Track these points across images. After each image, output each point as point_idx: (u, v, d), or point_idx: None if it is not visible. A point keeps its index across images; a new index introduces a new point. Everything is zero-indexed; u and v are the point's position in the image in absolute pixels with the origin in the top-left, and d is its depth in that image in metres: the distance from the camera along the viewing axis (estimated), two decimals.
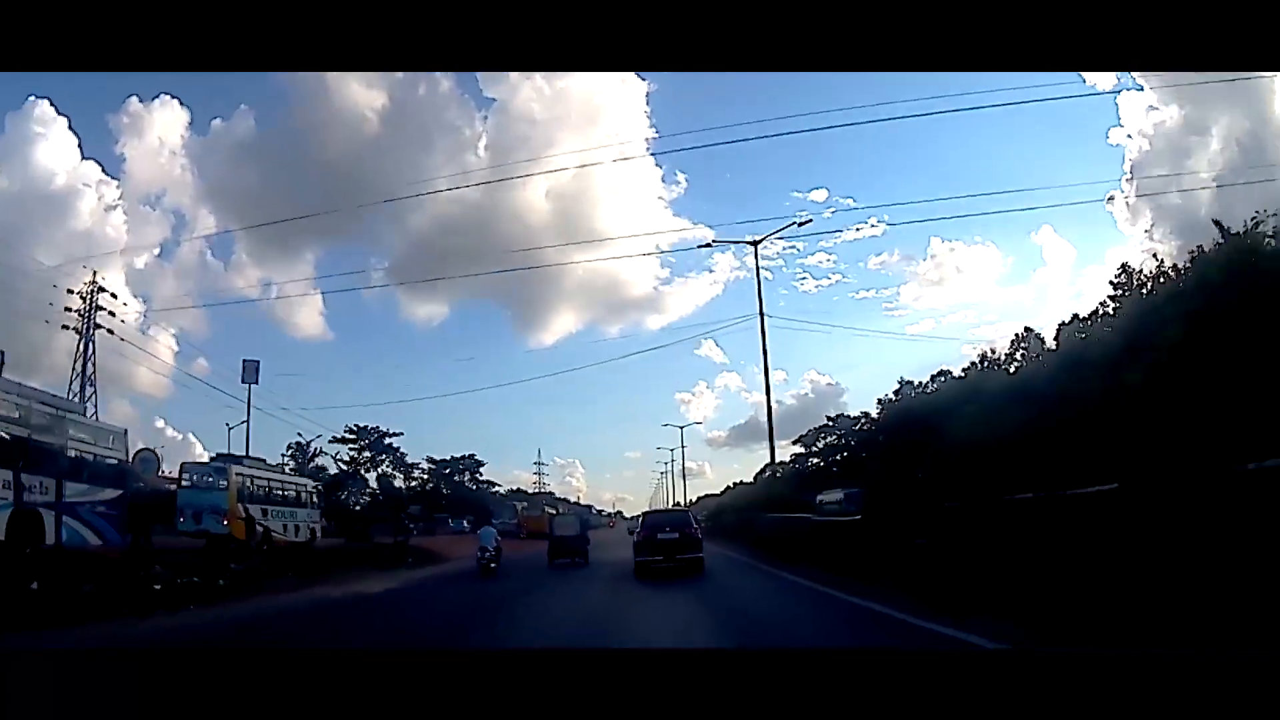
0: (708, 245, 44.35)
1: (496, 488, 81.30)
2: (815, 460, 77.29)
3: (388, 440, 69.88)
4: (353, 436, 67.04)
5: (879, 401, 76.44)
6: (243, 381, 58.43)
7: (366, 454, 68.00)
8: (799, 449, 78.56)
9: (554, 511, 53.94)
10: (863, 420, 77.44)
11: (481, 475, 79.23)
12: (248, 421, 58.71)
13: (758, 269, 38.31)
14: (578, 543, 28.40)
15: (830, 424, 77.37)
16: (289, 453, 61.77)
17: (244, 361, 59.91)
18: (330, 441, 65.29)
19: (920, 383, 74.44)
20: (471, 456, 77.80)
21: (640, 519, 27.10)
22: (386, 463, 69.45)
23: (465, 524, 61.21)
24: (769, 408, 45.74)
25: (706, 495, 76.90)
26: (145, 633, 13.39)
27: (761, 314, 34.69)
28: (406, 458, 69.80)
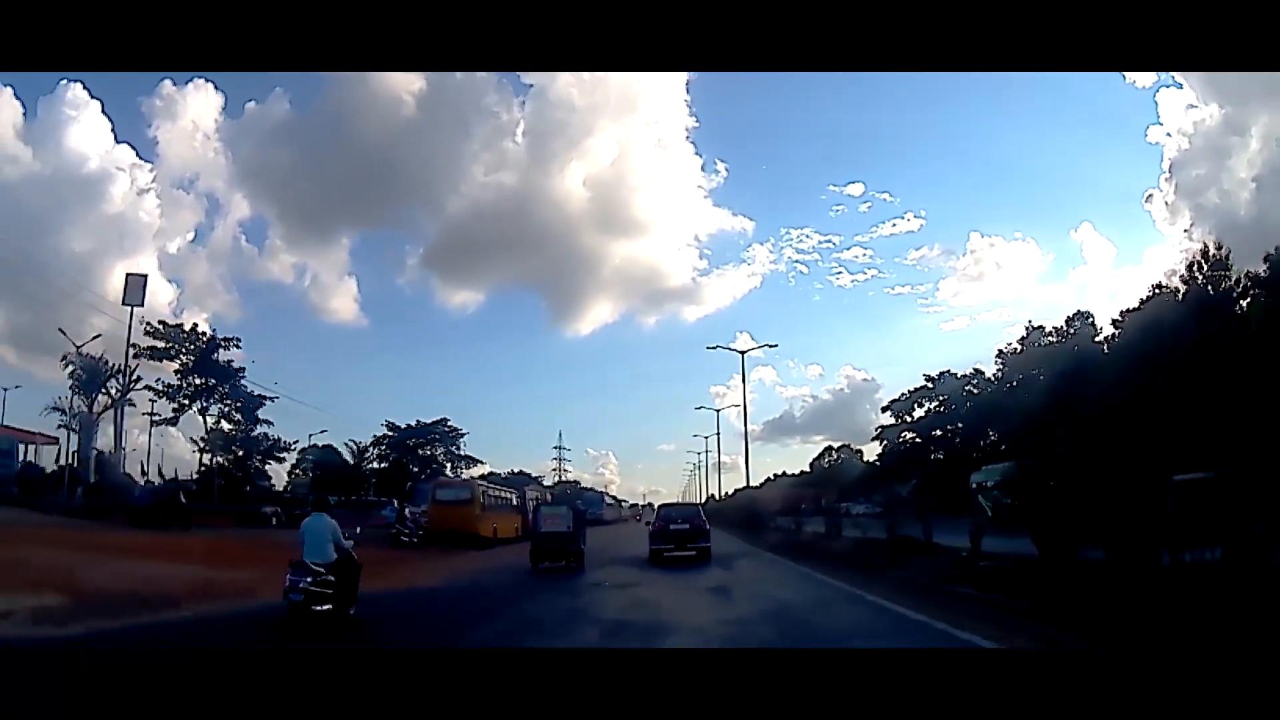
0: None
1: (480, 464, 62.94)
2: (910, 436, 57.36)
3: (220, 355, 44.59)
4: (162, 342, 43.05)
5: (1000, 353, 59.29)
6: (124, 303, 42.72)
7: (195, 380, 47.15)
8: (888, 419, 58.25)
9: (495, 494, 33.31)
10: (974, 379, 58.27)
11: (461, 449, 61.02)
12: (127, 352, 41.39)
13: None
14: (568, 541, 20.12)
15: (929, 386, 56.83)
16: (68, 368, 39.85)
17: (127, 276, 43.85)
18: (135, 356, 41.70)
19: (1054, 327, 56.42)
20: (444, 421, 59.01)
21: (655, 511, 27.66)
22: (220, 396, 48.33)
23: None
24: None
25: (743, 488, 61.58)
26: None
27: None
28: (249, 387, 45.82)
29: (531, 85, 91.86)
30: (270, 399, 46.99)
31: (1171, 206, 68.20)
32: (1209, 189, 62.77)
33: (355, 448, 52.19)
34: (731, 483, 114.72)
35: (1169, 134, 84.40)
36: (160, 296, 75.62)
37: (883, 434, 59.18)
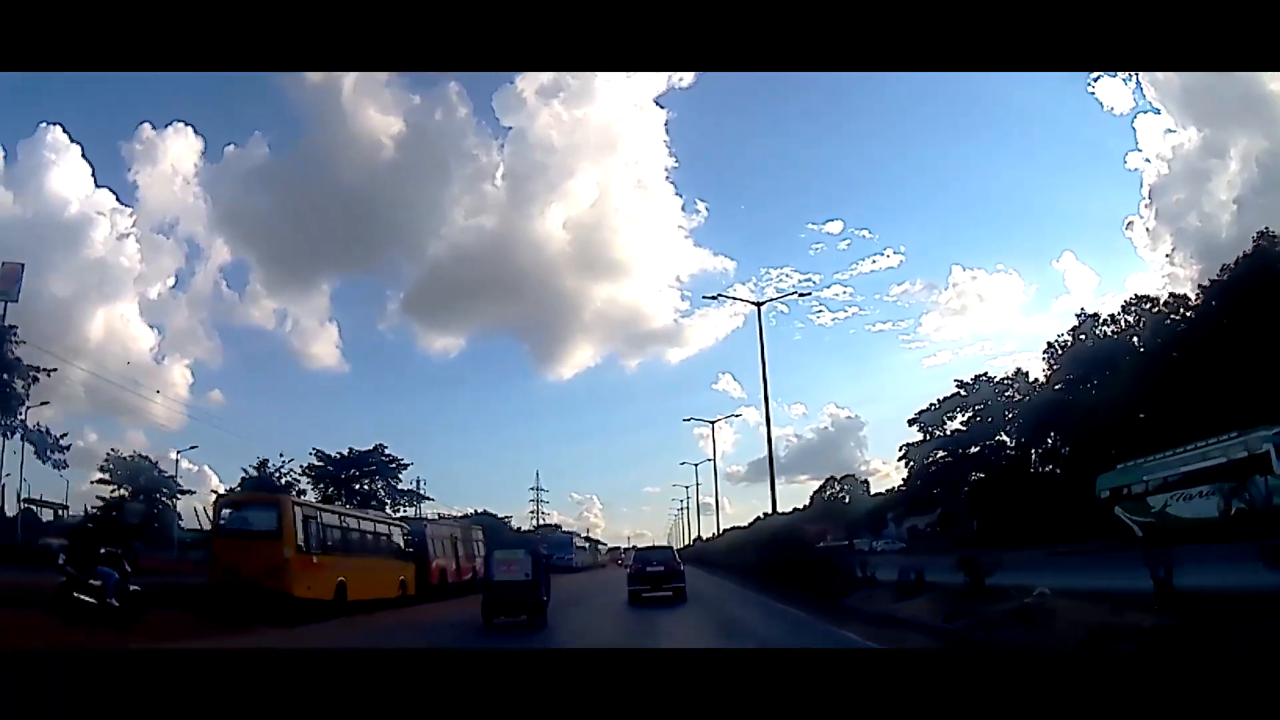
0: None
1: (428, 502, 52.48)
2: (941, 454, 48.04)
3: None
4: None
5: (1049, 345, 50.77)
6: None
7: None
8: (916, 435, 49.06)
9: (346, 526, 20.10)
10: (1015, 382, 49.32)
11: (402, 482, 50.79)
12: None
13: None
14: (527, 591, 16.32)
15: (961, 393, 47.86)
16: None
17: (2, 266, 35.70)
18: None
19: (1109, 315, 48.26)
20: (380, 449, 48.37)
21: (632, 554, 30.42)
22: None
23: None
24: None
25: (732, 528, 57.70)
26: None
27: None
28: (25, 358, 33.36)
29: (511, 128, 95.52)
30: (45, 373, 35.68)
31: (1153, 232, 69.09)
32: (1190, 213, 62.71)
33: (259, 473, 41.87)
34: (710, 525, 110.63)
35: (1148, 160, 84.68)
36: (141, 342, 76.44)
37: (908, 453, 49.85)
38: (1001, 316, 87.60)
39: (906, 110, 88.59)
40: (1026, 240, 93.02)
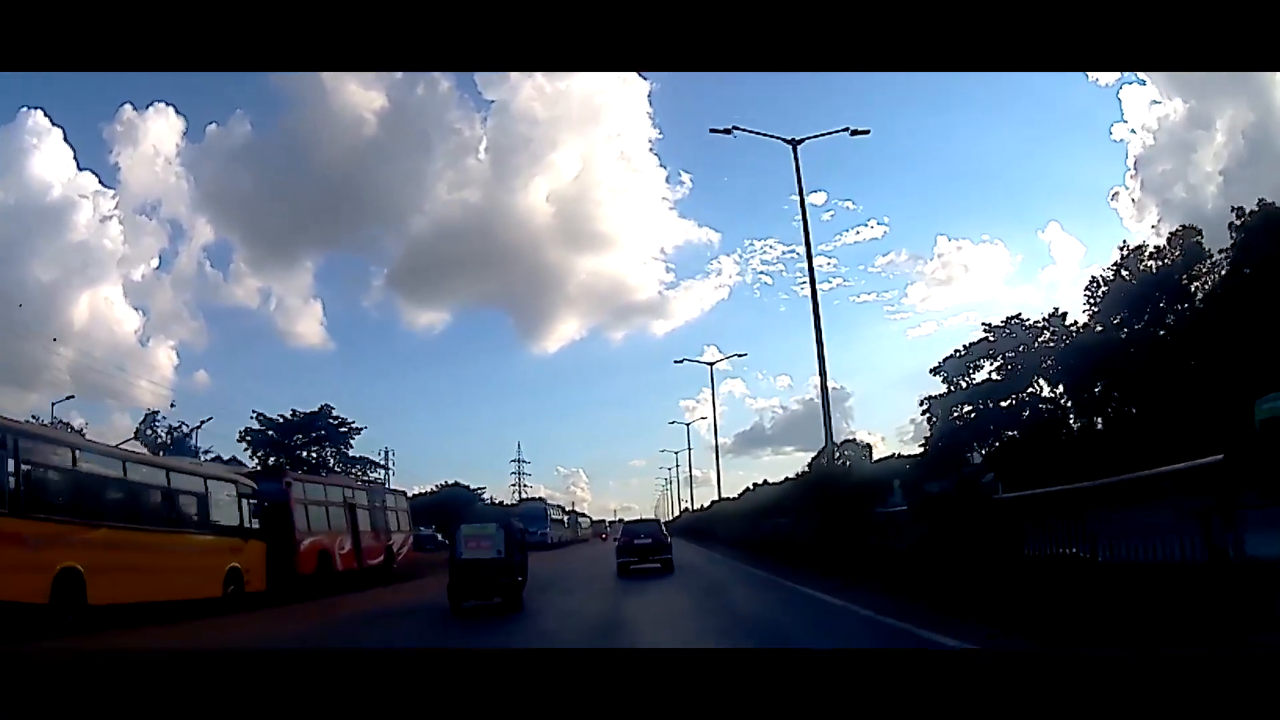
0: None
1: (380, 470, 47.21)
2: (967, 409, 42.31)
3: None
4: None
5: (1092, 280, 44.97)
6: None
7: None
8: (940, 386, 43.31)
9: (84, 471, 11.62)
10: (1050, 325, 43.53)
11: (353, 449, 45.40)
12: None
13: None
14: (499, 571, 14.37)
15: (989, 339, 42.10)
16: None
17: None
18: None
19: (1156, 247, 42.48)
20: (327, 411, 42.89)
21: (620, 527, 31.86)
22: None
23: None
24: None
25: (722, 499, 53.43)
26: None
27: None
28: None
29: (493, 101, 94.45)
30: None
31: (1138, 203, 68.44)
32: (1176, 184, 62.91)
33: (145, 433, 36.03)
34: (704, 496, 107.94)
35: (1133, 130, 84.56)
36: (126, 325, 76.41)
37: (930, 407, 44.06)
38: (987, 287, 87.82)
39: (890, 80, 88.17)
40: (1012, 210, 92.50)
